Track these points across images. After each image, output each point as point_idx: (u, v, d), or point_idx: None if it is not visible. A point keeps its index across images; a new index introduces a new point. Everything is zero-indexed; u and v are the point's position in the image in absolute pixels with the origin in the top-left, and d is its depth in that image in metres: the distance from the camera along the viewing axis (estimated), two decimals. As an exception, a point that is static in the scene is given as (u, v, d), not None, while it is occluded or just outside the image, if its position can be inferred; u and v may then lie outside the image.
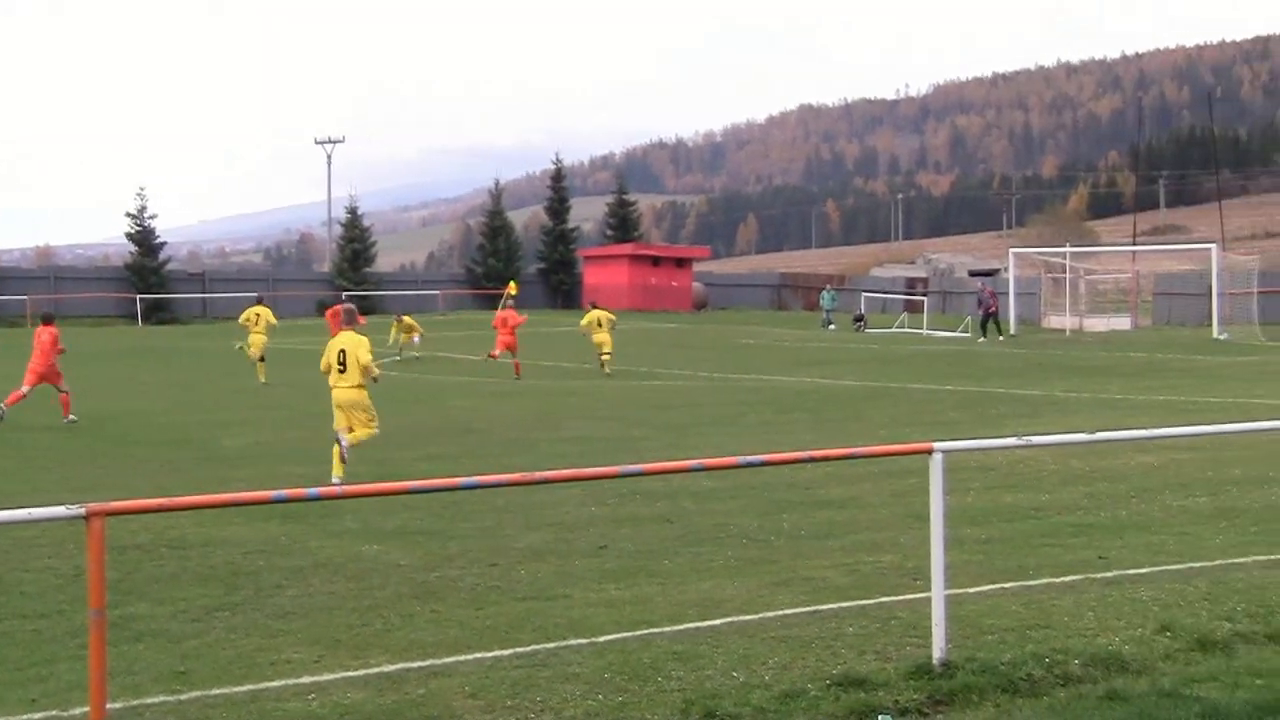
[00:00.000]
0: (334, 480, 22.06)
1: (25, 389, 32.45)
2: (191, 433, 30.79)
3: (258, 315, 47.23)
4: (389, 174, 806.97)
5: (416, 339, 55.07)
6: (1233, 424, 20.45)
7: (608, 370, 47.91)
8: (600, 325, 48.98)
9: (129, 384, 37.10)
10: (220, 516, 18.01)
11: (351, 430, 23.03)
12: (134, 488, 21.28)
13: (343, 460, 22.69)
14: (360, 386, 23.02)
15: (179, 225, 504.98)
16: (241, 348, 48.51)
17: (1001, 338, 68.10)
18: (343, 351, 22.85)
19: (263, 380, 44.15)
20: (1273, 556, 15.35)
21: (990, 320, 69.64)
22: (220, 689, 10.65)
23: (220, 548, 16.53)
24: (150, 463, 25.66)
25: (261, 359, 45.45)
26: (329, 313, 52.22)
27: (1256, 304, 70.97)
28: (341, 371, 22.85)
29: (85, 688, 8.79)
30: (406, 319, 56.19)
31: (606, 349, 48.72)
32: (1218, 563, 15.01)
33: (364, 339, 23.23)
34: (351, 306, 24.80)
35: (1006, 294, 75.40)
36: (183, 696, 10.48)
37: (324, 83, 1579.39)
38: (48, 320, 33.57)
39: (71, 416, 32.14)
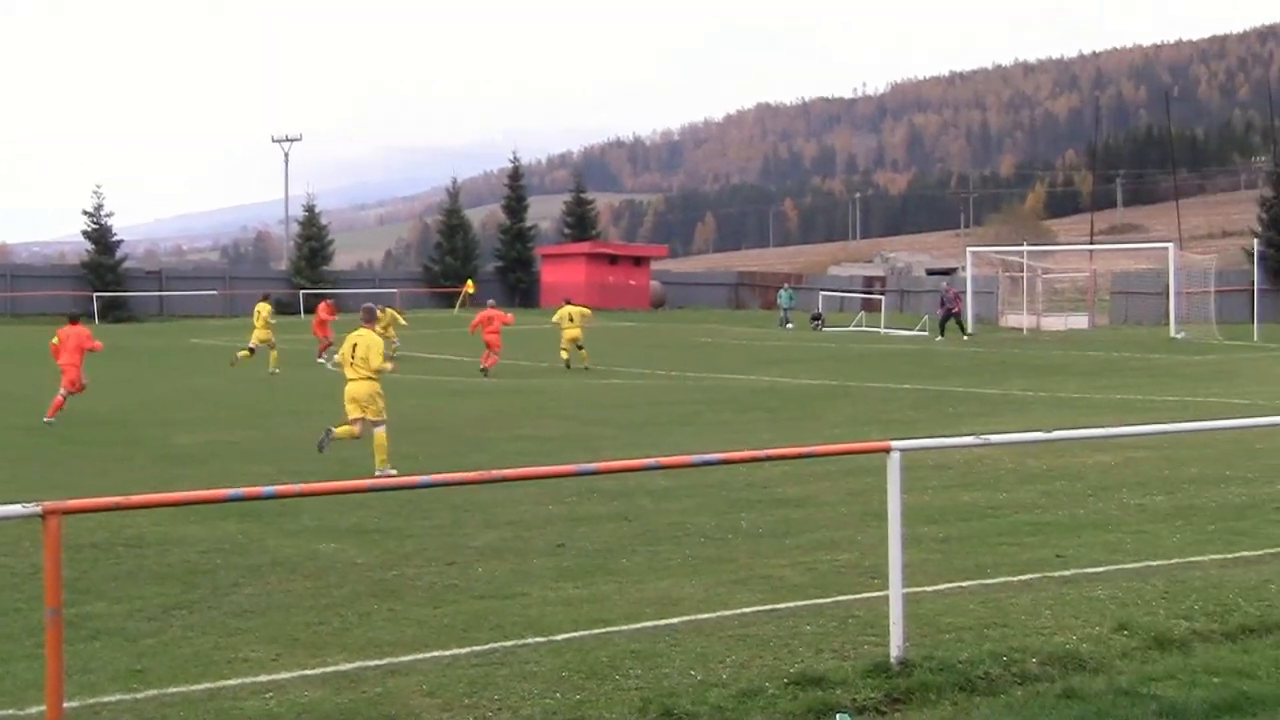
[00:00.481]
0: (388, 471, 23.44)
1: (63, 392, 32.53)
2: (147, 431, 30.70)
3: (259, 312, 49.19)
4: (346, 172, 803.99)
5: (397, 342, 54.71)
6: (1190, 423, 20.56)
7: (585, 364, 49.00)
8: (572, 320, 49.94)
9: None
10: (177, 515, 17.97)
11: (359, 420, 24.33)
12: (89, 486, 21.20)
13: (351, 436, 24.53)
14: (370, 379, 24.27)
15: (136, 223, 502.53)
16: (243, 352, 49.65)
17: (965, 337, 68.23)
18: (354, 346, 24.29)
19: (274, 369, 46.41)
20: (1229, 555, 15.43)
21: (952, 320, 69.77)
22: (177, 687, 10.62)
23: (177, 546, 16.49)
24: (106, 461, 25.61)
25: (250, 351, 47.53)
26: (323, 306, 52.42)
27: (1214, 303, 71.20)
28: (353, 364, 24.28)
29: (41, 686, 8.75)
30: (390, 311, 56.05)
31: (579, 343, 49.82)
32: (1175, 561, 15.07)
33: (378, 340, 24.75)
34: (371, 305, 26.43)
35: (964, 293, 75.52)
36: (140, 695, 10.45)
37: (280, 81, 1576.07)
38: (74, 319, 34.67)
39: (51, 420, 31.81)
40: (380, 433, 24.15)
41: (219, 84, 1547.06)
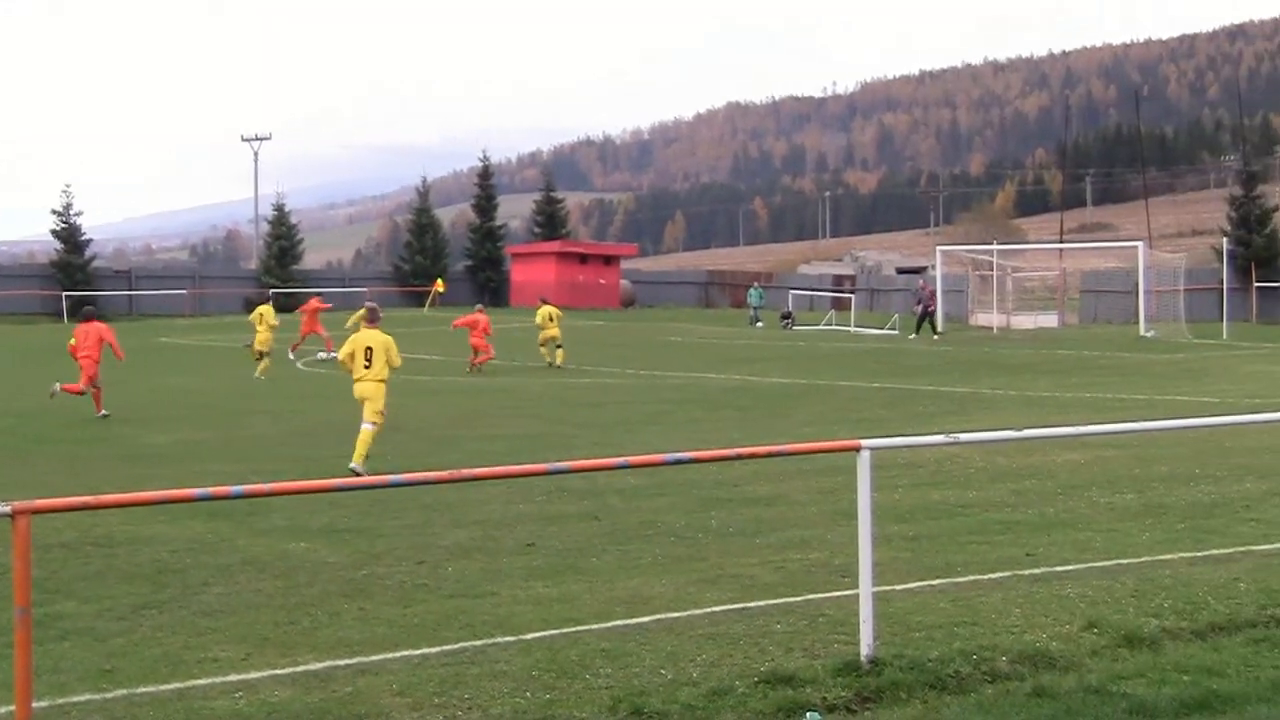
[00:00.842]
0: (356, 466, 23.60)
1: (83, 385, 33.47)
2: (116, 430, 30.64)
3: (261, 315, 48.77)
4: (315, 171, 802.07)
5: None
6: (1159, 421, 20.65)
7: (559, 363, 49.45)
8: (551, 320, 50.53)
9: (52, 381, 36.80)
10: (146, 514, 17.93)
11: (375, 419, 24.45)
12: (58, 486, 21.16)
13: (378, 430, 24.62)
14: (382, 381, 24.60)
15: (105, 222, 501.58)
16: (247, 346, 49.89)
17: (935, 336, 68.34)
18: (369, 349, 24.52)
19: (259, 376, 44.87)
20: (1199, 553, 15.47)
21: (928, 318, 69.92)
22: (147, 687, 10.59)
23: (146, 546, 16.45)
24: (75, 460, 25.54)
25: (260, 356, 46.51)
26: (309, 307, 52.30)
27: (1183, 301, 71.51)
28: (367, 366, 24.48)
29: (10, 686, 8.73)
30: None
31: (558, 342, 50.43)
32: (1145, 560, 15.10)
33: (390, 338, 24.84)
34: (375, 305, 26.28)
35: (936, 292, 75.63)
36: (109, 695, 10.43)
37: (250, 80, 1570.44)
38: (89, 317, 35.55)
39: (104, 413, 32.82)
40: (368, 431, 24.21)
41: (188, 83, 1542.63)
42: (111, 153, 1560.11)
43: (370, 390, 24.47)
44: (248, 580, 14.63)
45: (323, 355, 51.36)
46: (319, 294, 59.43)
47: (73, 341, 34.18)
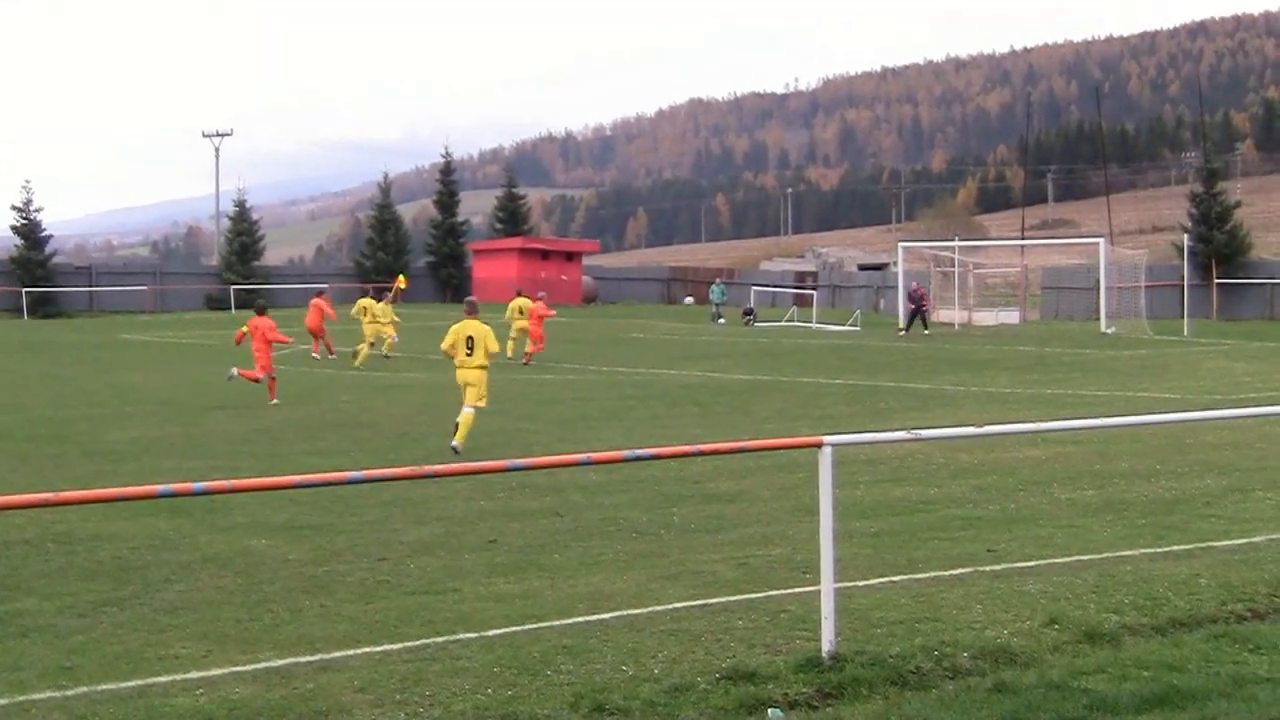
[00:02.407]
0: (456, 443, 25.56)
1: (259, 374, 36.20)
2: (77, 427, 30.49)
3: (365, 308, 51.75)
4: (277, 167, 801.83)
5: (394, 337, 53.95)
6: (1120, 418, 20.73)
7: (509, 354, 49.09)
8: (522, 313, 51.27)
9: (13, 378, 36.75)
10: (107, 511, 17.89)
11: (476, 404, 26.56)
12: (19, 482, 21.10)
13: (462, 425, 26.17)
14: (484, 367, 26.71)
15: (65, 218, 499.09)
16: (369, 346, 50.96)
17: (927, 331, 68.52)
18: (471, 338, 26.66)
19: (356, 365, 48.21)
20: (1159, 549, 15.53)
21: (920, 315, 70.02)
22: (107, 685, 10.56)
23: (107, 543, 16.41)
24: (34, 458, 25.41)
25: (371, 345, 50.35)
26: (315, 303, 52.26)
27: (1144, 298, 71.67)
28: (469, 354, 26.66)
29: (-30, 684, 8.71)
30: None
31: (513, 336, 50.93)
32: (1105, 555, 15.15)
33: (488, 328, 27.03)
34: (474, 299, 28.88)
35: (895, 288, 75.70)
36: (69, 692, 10.40)
37: (211, 76, 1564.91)
38: (261, 311, 37.51)
39: (275, 400, 35.53)
40: (469, 415, 26.07)
41: (150, 79, 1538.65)
42: (72, 149, 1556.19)
43: (473, 376, 26.51)
44: (209, 577, 14.60)
45: (317, 355, 51.51)
46: (321, 291, 58.49)
47: (244, 329, 37.12)
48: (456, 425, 25.97)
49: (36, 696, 10.28)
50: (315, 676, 10.73)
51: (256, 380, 35.93)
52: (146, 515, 18.06)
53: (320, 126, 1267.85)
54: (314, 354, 51.41)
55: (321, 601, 13.38)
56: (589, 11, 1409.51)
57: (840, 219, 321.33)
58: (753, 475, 21.37)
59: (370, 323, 50.70)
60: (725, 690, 10.22)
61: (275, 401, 35.03)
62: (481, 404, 26.58)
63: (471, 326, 26.73)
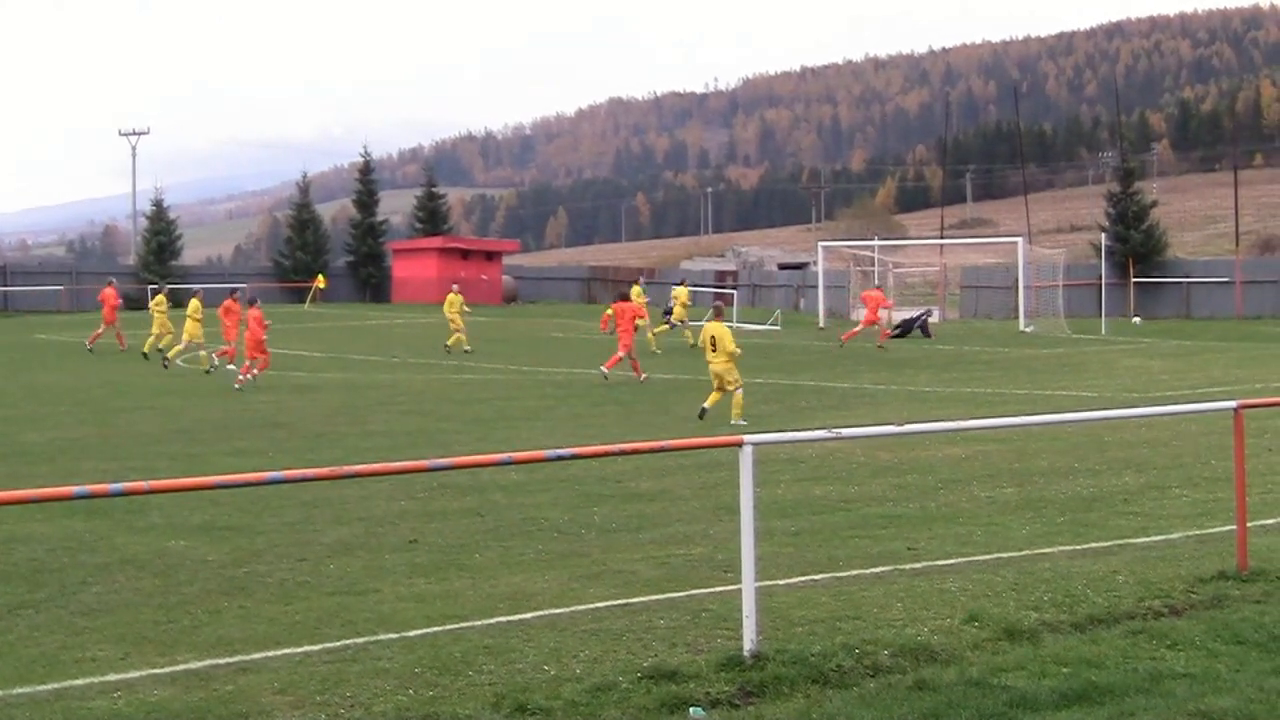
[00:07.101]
0: (737, 422, 29.41)
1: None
2: (-8, 428, 30.26)
3: (451, 302, 54.10)
4: (194, 166, 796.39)
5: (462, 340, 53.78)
6: (1038, 416, 20.81)
7: (466, 348, 52.26)
8: (450, 307, 53.93)
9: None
10: (21, 513, 17.74)
11: (722, 390, 30.88)
12: (-67, 484, 20.89)
13: (715, 402, 30.97)
14: (727, 361, 30.60)
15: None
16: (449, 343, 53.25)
17: (888, 337, 68.63)
18: (713, 338, 30.91)
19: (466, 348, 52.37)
20: (1078, 546, 15.66)
21: (916, 328, 69.39)
22: (23, 688, 10.48)
23: (22, 544, 16.28)
24: (-51, 459, 25.19)
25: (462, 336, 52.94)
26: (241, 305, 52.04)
27: (1062, 297, 72.11)
28: (714, 350, 30.82)
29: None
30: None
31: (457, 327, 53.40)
32: (1024, 553, 15.26)
33: (726, 330, 31.17)
34: (720, 303, 33.68)
35: (816, 287, 75.81)
36: (-16, 696, 10.31)
37: (126, 74, 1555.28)
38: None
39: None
40: (739, 394, 30.54)
41: (63, 77, 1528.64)
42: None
43: (720, 368, 30.71)
44: (126, 579, 14.51)
45: (217, 362, 45.73)
46: (233, 291, 56.50)
47: (609, 311, 42.31)
48: (704, 410, 30.53)
49: (-49, 700, 10.18)
50: (235, 678, 10.67)
51: (627, 358, 40.92)
52: (63, 517, 17.93)
53: (237, 125, 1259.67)
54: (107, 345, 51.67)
55: (241, 603, 13.31)
56: (506, 8, 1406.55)
57: (760, 218, 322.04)
58: (674, 474, 21.40)
59: (457, 314, 53.55)
60: (647, 689, 10.22)
61: (644, 377, 40.60)
62: (740, 384, 30.79)
63: (713, 328, 31.16)
